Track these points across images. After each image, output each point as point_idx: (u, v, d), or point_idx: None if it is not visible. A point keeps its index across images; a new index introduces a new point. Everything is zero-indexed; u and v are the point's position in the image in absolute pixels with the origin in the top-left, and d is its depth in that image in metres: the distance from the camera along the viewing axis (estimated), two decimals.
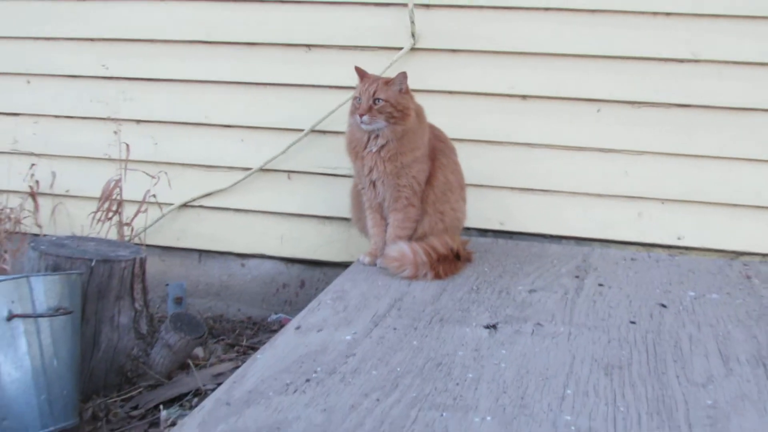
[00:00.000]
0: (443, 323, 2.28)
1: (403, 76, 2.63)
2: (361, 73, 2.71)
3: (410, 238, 2.74)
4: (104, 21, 3.47)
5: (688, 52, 2.97)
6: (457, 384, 1.88)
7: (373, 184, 2.73)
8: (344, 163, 2.95)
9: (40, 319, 2.24)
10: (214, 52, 3.38)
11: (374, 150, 2.67)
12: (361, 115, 2.60)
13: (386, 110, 2.60)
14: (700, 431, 1.68)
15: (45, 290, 2.28)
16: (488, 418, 1.72)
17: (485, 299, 2.49)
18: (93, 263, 2.56)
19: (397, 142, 2.65)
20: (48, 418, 2.23)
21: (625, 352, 2.10)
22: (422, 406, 1.77)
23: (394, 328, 2.23)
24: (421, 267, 2.64)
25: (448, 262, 2.71)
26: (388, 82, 2.64)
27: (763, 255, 3.02)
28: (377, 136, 2.66)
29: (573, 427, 1.68)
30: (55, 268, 2.53)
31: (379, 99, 2.60)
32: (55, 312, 2.28)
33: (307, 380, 1.90)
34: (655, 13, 2.98)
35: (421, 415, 1.73)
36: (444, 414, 1.73)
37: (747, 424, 1.72)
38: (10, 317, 2.18)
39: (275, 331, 2.81)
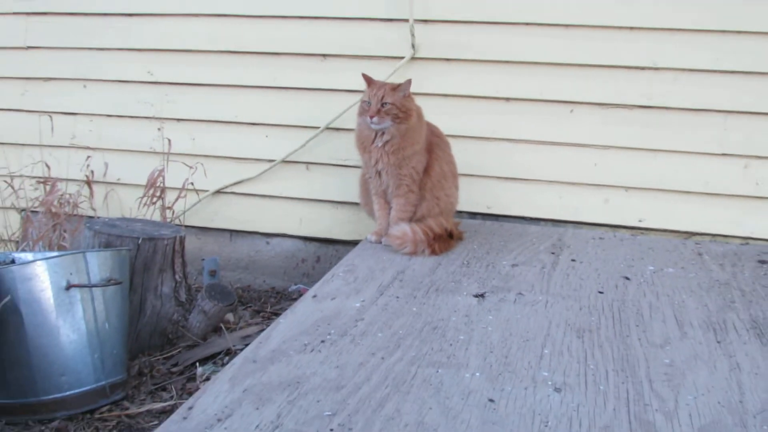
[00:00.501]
0: (439, 293, 2.26)
1: (408, 83, 2.61)
2: (368, 80, 2.68)
3: (410, 220, 2.72)
4: (149, 34, 3.43)
5: (648, 60, 2.93)
6: (451, 345, 1.87)
7: (379, 173, 2.70)
8: (354, 156, 2.93)
9: (93, 288, 2.23)
10: (244, 60, 3.34)
11: (380, 145, 2.65)
12: (371, 117, 2.58)
13: (392, 112, 2.58)
14: (659, 386, 1.67)
15: (98, 264, 2.26)
16: (477, 374, 1.71)
17: (474, 272, 2.47)
18: (140, 241, 2.54)
19: (400, 138, 2.63)
20: (101, 373, 2.22)
21: (594, 317, 2.08)
22: (421, 364, 1.76)
23: (397, 297, 2.21)
24: (420, 244, 2.62)
25: (443, 241, 2.69)
26: (394, 87, 2.61)
27: (713, 235, 2.99)
28: (383, 133, 2.63)
29: (550, 382, 1.67)
30: (107, 245, 2.52)
31: (386, 103, 2.57)
32: (107, 282, 2.27)
33: (322, 341, 1.88)
34: (620, 27, 2.94)
35: (419, 371, 1.72)
36: (439, 370, 1.72)
37: (699, 380, 1.70)
38: (69, 287, 2.17)
39: (295, 300, 2.79)
